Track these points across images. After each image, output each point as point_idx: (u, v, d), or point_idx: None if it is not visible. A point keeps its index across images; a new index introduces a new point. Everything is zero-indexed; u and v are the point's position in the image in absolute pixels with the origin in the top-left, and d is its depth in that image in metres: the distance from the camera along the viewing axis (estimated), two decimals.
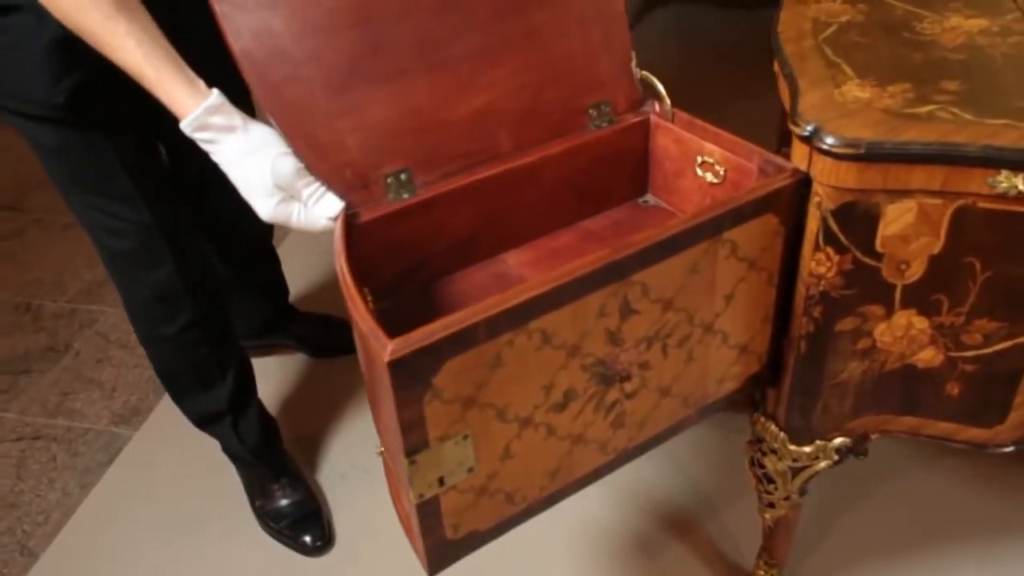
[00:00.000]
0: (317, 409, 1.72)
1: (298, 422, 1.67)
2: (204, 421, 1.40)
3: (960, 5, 1.04)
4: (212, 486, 1.57)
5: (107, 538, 1.49)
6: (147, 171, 1.13)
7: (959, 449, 1.00)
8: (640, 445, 0.93)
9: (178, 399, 1.38)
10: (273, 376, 1.78)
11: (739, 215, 0.83)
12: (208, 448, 1.61)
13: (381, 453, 0.90)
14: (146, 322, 1.27)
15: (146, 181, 1.12)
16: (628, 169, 1.08)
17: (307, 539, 1.42)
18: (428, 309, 0.90)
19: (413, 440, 0.73)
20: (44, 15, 0.82)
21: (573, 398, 0.83)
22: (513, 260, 1.02)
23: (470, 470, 0.78)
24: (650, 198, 1.11)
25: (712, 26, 3.07)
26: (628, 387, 0.87)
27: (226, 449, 1.46)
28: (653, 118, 1.04)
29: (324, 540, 1.42)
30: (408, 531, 0.85)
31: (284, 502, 1.44)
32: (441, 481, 0.77)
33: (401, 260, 0.95)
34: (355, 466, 1.58)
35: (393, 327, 0.69)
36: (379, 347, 0.68)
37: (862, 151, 0.79)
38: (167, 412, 1.75)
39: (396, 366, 0.68)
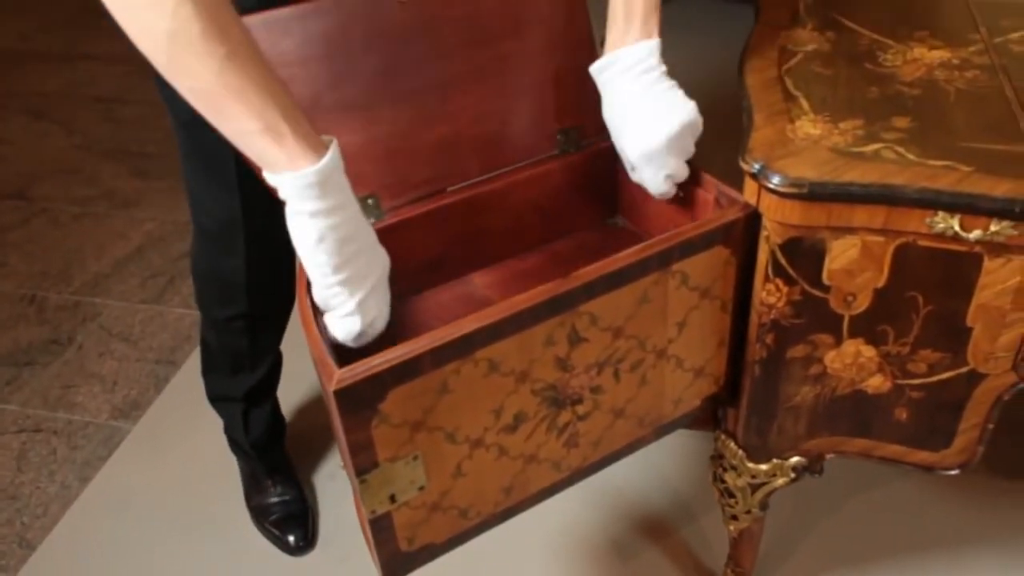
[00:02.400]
0: (309, 409, 1.77)
1: (290, 420, 1.71)
2: (218, 399, 1.47)
3: (926, 35, 1.06)
4: (210, 482, 1.62)
5: (103, 531, 1.55)
6: (255, 175, 1.16)
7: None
8: (595, 463, 0.97)
9: (204, 370, 1.46)
10: None
11: (687, 248, 0.86)
12: (206, 444, 1.67)
13: (343, 467, 0.94)
14: (203, 297, 1.34)
15: (250, 180, 1.16)
16: (596, 191, 1.10)
17: (291, 538, 1.46)
18: (393, 328, 0.93)
19: (362, 461, 0.77)
20: None
21: (524, 420, 0.86)
22: (480, 281, 1.05)
23: (421, 488, 0.82)
24: (619, 220, 1.14)
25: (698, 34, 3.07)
26: (580, 409, 0.90)
27: (228, 433, 1.52)
28: None
29: (306, 541, 1.47)
30: (368, 542, 0.89)
31: (274, 499, 1.49)
32: (393, 498, 0.81)
33: None
34: (343, 467, 1.63)
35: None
36: (327, 376, 0.72)
37: (805, 191, 0.82)
38: (166, 407, 1.81)
39: (342, 394, 0.72)
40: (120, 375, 1.92)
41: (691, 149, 0.95)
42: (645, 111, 0.92)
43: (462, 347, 0.76)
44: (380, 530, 0.82)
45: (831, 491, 1.49)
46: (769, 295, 0.90)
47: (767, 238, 0.87)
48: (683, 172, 0.96)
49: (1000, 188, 0.78)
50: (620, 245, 1.01)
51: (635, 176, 0.99)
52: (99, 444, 1.74)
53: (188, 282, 2.17)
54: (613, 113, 0.96)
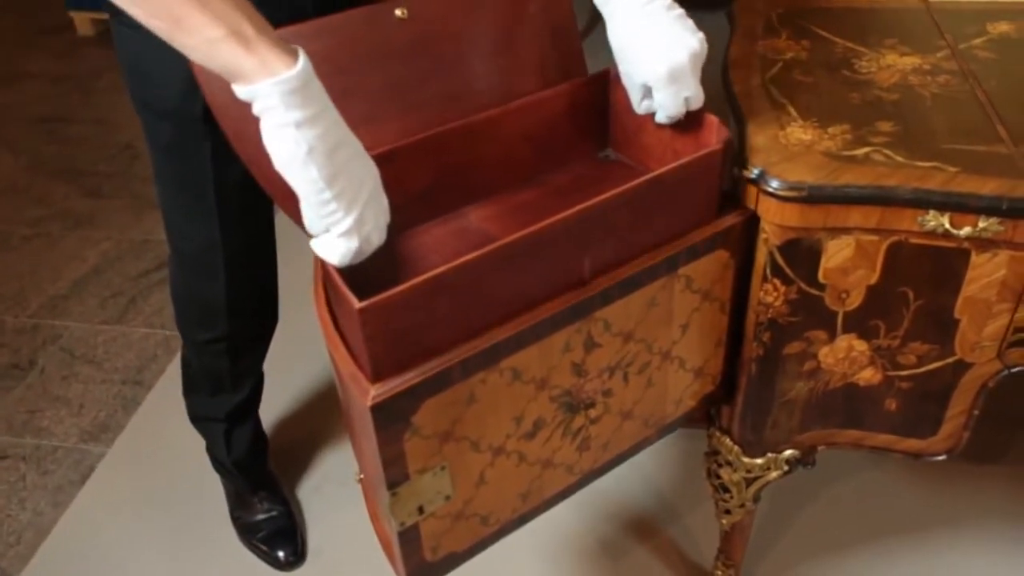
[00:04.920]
0: (291, 422, 1.76)
1: (272, 435, 1.70)
2: (199, 419, 1.45)
3: (895, 42, 1.11)
4: (193, 502, 1.60)
5: (83, 557, 1.52)
6: (236, 200, 1.15)
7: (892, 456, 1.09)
8: (604, 465, 0.99)
9: (185, 391, 1.44)
10: None
11: (693, 252, 0.89)
12: (186, 463, 1.65)
13: (360, 480, 0.95)
14: (183, 320, 1.32)
15: (229, 207, 1.14)
16: (588, 123, 1.07)
17: (280, 554, 1.46)
18: (389, 264, 0.90)
19: (394, 474, 0.78)
20: None
21: (542, 427, 0.88)
22: (475, 215, 1.01)
23: (447, 498, 0.84)
24: (611, 153, 1.11)
25: None
26: (593, 413, 0.93)
27: (211, 453, 1.50)
28: (613, 71, 1.01)
29: (296, 556, 1.47)
30: (389, 554, 0.90)
31: (261, 516, 1.48)
32: (421, 509, 0.82)
33: None
34: (329, 479, 1.62)
35: (353, 281, 0.74)
36: (361, 392, 0.73)
37: (804, 194, 0.86)
38: (140, 427, 1.78)
39: (378, 409, 0.73)
40: (86, 397, 1.88)
41: (699, 76, 0.93)
42: (664, 33, 0.89)
43: (489, 357, 0.78)
44: (407, 541, 0.83)
45: (810, 481, 1.54)
46: (767, 295, 0.94)
47: (766, 240, 0.91)
48: (701, 97, 0.93)
49: (987, 187, 0.83)
50: (615, 178, 1.03)
51: (644, 104, 0.96)
52: (70, 468, 1.71)
53: (150, 301, 2.13)
54: (625, 38, 0.91)
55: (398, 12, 0.92)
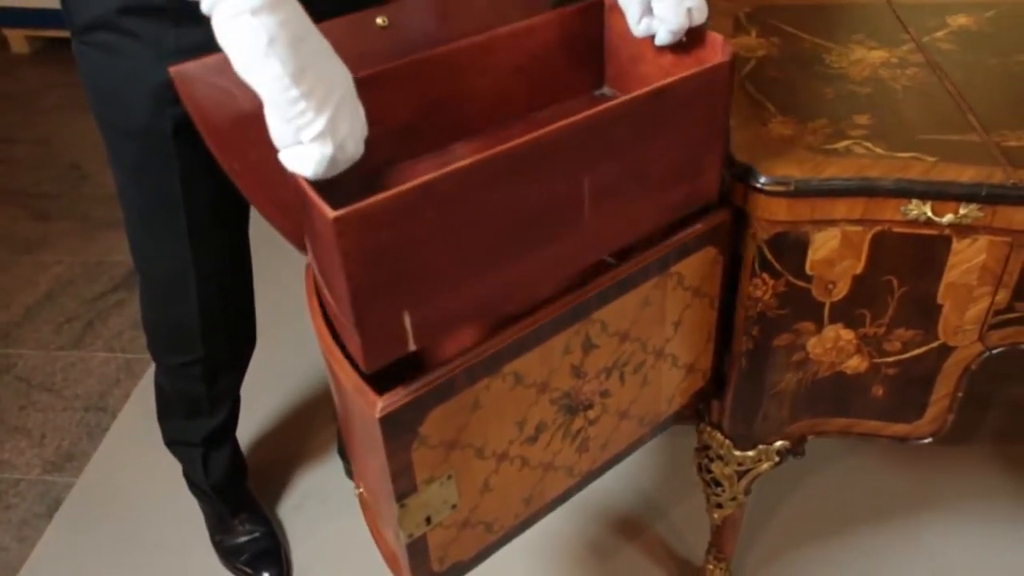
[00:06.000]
0: (266, 441, 1.73)
1: (247, 454, 1.67)
2: (174, 444, 1.41)
3: (862, 37, 1.14)
4: (171, 528, 1.56)
5: None
6: (207, 220, 1.11)
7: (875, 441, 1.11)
8: (602, 465, 1.00)
9: (159, 416, 1.39)
10: None
11: (684, 250, 0.90)
12: (160, 490, 1.61)
13: (360, 495, 0.93)
14: (154, 344, 1.28)
15: (200, 228, 1.11)
16: (583, 58, 1.01)
17: (265, 575, 1.43)
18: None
19: (402, 486, 0.77)
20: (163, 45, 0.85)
21: (543, 430, 0.88)
22: (462, 152, 0.94)
23: (453, 507, 0.83)
24: (607, 90, 1.04)
25: None
26: (591, 414, 0.93)
27: (188, 477, 1.46)
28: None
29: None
30: (395, 568, 0.89)
31: (244, 538, 1.45)
32: (428, 520, 0.81)
33: None
34: (309, 496, 1.60)
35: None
36: (367, 404, 0.72)
37: (792, 188, 0.87)
38: (109, 455, 1.73)
39: (386, 421, 0.72)
40: (47, 427, 1.82)
41: None
42: None
43: (492, 363, 0.77)
44: (415, 553, 0.82)
45: (791, 468, 1.56)
46: (755, 289, 0.95)
47: (754, 235, 0.92)
48: (705, 7, 0.87)
49: (965, 175, 0.86)
50: None
51: (643, 23, 0.90)
52: (34, 501, 1.65)
53: (108, 324, 2.08)
54: None
55: (379, 20, 0.91)
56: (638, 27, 0.91)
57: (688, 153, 0.86)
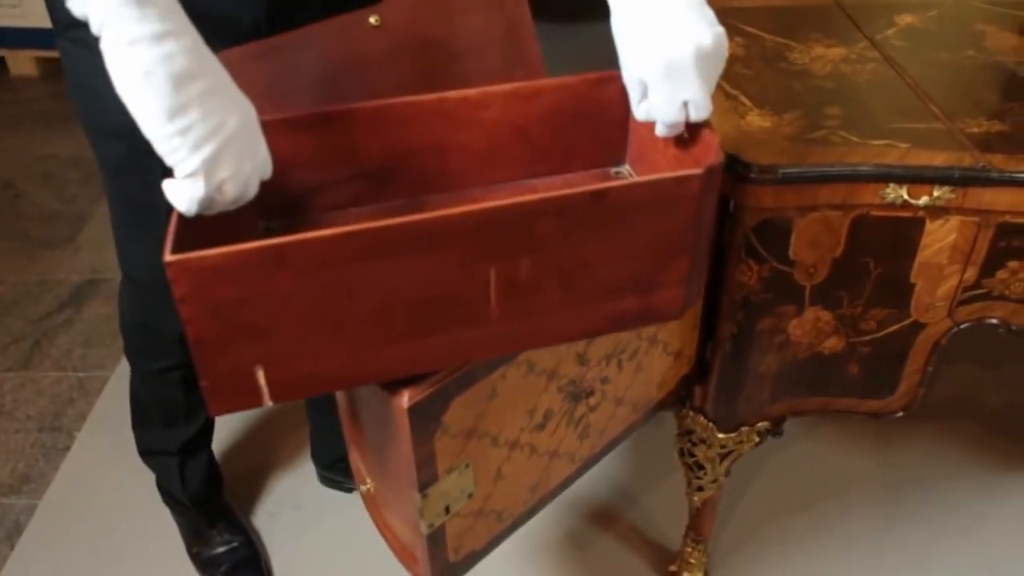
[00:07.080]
0: (238, 449, 1.70)
1: (220, 463, 1.65)
2: (150, 453, 1.39)
3: (820, 36, 1.20)
4: (140, 545, 1.53)
5: None
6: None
7: (834, 417, 1.17)
8: (601, 451, 1.03)
9: (134, 424, 1.38)
10: None
11: None
12: (130, 506, 1.57)
13: (366, 491, 0.94)
14: (133, 349, 1.27)
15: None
16: (602, 129, 0.93)
17: None
18: None
19: (426, 475, 0.78)
20: None
21: (551, 417, 0.90)
22: (435, 204, 0.89)
23: (470, 495, 0.85)
24: (625, 168, 0.96)
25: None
26: (592, 401, 0.96)
27: (162, 488, 1.44)
28: None
29: None
30: (408, 560, 0.90)
31: (222, 548, 1.43)
32: (447, 509, 0.83)
33: (294, 179, 0.83)
34: (284, 505, 1.58)
35: None
36: (393, 395, 0.73)
37: (778, 176, 0.91)
38: (72, 475, 1.67)
39: (413, 411, 0.73)
40: (0, 449, 1.76)
41: (714, 82, 0.78)
42: (671, 19, 0.75)
43: None
44: (434, 544, 0.84)
45: (757, 451, 1.62)
46: (741, 275, 1.00)
47: (740, 223, 0.96)
48: (706, 104, 0.78)
49: (938, 159, 0.91)
50: None
51: (642, 107, 0.81)
52: None
53: (56, 343, 2.02)
54: (626, 22, 0.78)
55: (372, 20, 0.92)
56: (638, 109, 0.82)
57: (640, 265, 0.77)
